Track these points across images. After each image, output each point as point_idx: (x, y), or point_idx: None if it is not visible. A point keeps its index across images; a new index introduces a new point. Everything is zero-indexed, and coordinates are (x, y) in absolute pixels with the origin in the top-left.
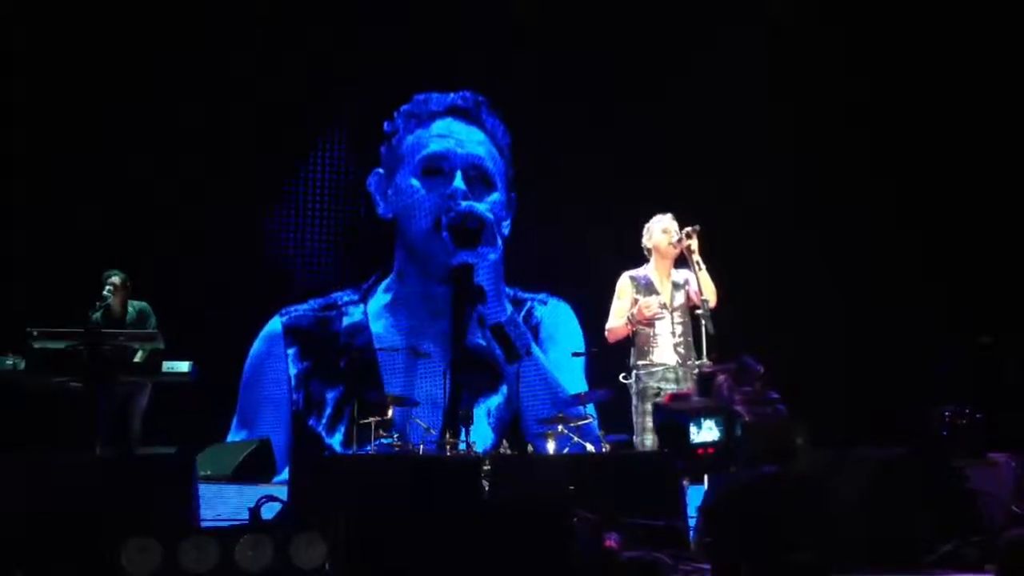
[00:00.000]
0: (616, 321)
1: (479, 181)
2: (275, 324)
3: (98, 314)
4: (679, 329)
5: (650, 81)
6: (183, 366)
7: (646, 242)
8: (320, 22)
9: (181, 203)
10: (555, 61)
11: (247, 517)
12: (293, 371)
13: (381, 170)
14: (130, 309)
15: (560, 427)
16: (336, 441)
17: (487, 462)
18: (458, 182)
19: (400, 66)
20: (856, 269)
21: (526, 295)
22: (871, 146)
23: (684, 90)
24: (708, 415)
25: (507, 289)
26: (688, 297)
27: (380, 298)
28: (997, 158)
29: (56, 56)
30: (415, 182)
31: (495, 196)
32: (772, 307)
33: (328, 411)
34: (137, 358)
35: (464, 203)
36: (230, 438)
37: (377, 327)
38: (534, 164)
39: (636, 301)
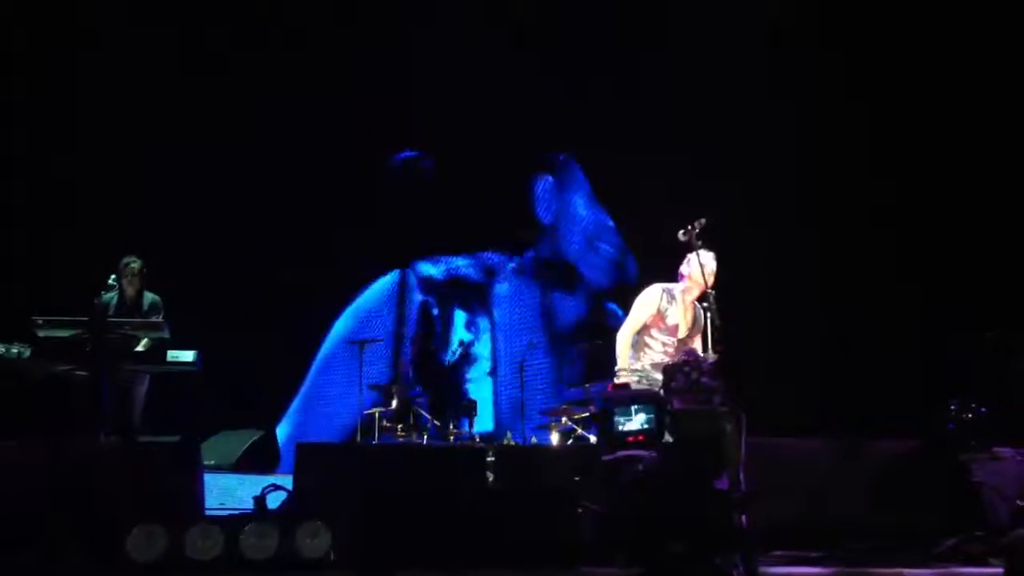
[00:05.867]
0: (626, 335)
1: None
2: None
3: (110, 296)
4: (676, 349)
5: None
6: (188, 355)
7: (684, 269)
8: None
9: (190, 194)
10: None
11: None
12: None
13: (551, 178)
14: (144, 299)
15: (564, 419)
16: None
17: (491, 453)
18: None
19: None
20: (863, 265)
21: None
22: (876, 143)
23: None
24: (640, 404)
25: None
26: (695, 336)
27: (507, 282)
28: (1005, 158)
29: (52, 45)
30: (582, 203)
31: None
32: (779, 303)
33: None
34: (141, 347)
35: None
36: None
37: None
38: None
39: (659, 312)
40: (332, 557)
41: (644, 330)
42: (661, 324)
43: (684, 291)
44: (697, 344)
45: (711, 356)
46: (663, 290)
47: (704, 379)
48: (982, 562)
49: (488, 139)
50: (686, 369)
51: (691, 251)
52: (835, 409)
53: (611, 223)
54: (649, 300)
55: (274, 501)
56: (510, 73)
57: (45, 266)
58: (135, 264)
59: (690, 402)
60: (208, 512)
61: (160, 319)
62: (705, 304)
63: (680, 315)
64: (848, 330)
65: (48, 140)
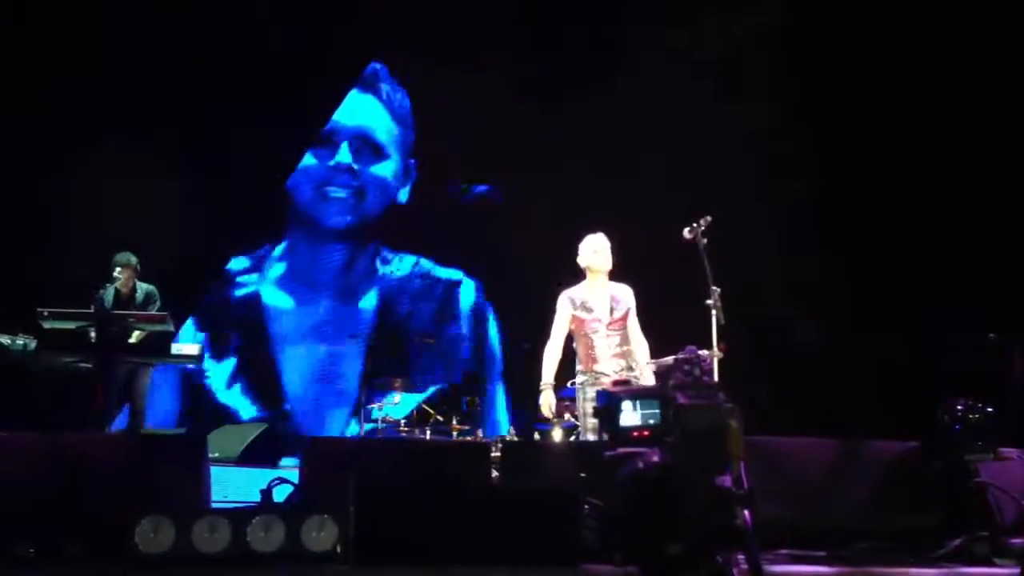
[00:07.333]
0: (550, 350)
1: (368, 151)
2: None
3: (108, 293)
4: (616, 340)
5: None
6: (192, 348)
7: (579, 261)
8: None
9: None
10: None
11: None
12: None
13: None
14: (138, 291)
15: (566, 415)
16: (234, 401)
17: (495, 448)
18: (343, 155)
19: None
20: (867, 264)
21: (442, 272)
22: (884, 143)
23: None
24: (644, 399)
25: (421, 260)
26: (625, 313)
27: (276, 268)
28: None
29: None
30: (306, 152)
31: (386, 164)
32: (781, 302)
33: (224, 381)
34: (133, 339)
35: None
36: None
37: (271, 299)
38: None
39: (574, 318)
40: (338, 550)
41: (575, 335)
42: (583, 323)
43: (587, 282)
44: (633, 323)
45: (715, 353)
46: (565, 296)
47: (705, 377)
48: (987, 563)
49: None
50: (686, 367)
51: (697, 249)
52: (839, 409)
53: (345, 163)
54: (558, 313)
55: (280, 494)
56: None
57: (50, 259)
58: (126, 260)
59: (694, 398)
60: (213, 505)
61: (157, 308)
62: (710, 302)
63: (594, 304)
64: (851, 331)
65: (53, 138)
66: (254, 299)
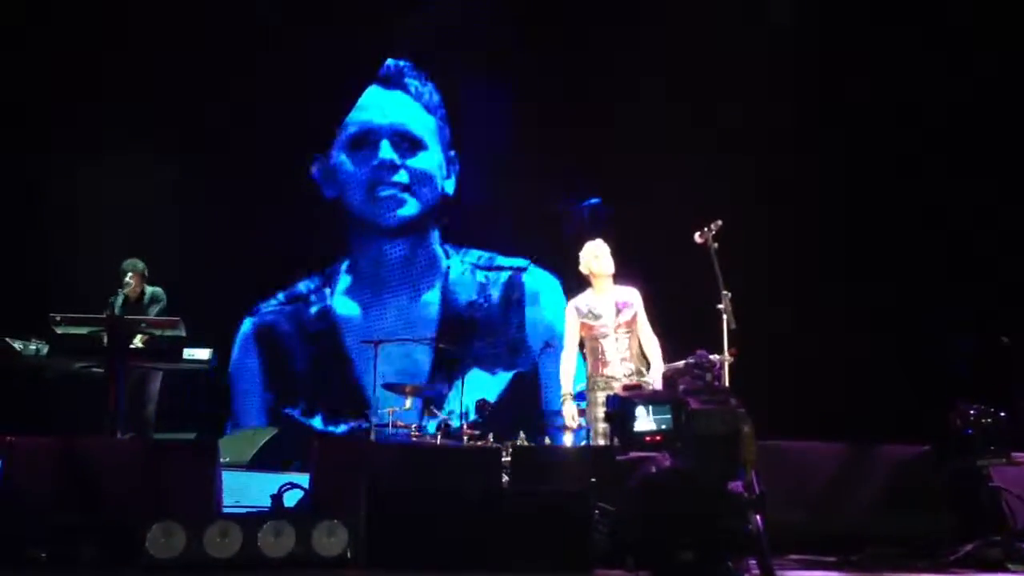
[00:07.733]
0: (566, 359)
1: (407, 145)
2: (246, 326)
3: (118, 299)
4: (625, 343)
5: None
6: (204, 353)
7: (582, 269)
8: None
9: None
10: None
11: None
12: (263, 368)
13: (321, 155)
14: (145, 294)
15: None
16: (317, 423)
17: (506, 452)
18: (385, 151)
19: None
20: (880, 266)
21: (505, 261)
22: (889, 144)
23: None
24: (656, 403)
25: (480, 253)
26: (633, 316)
27: (343, 281)
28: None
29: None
30: (344, 157)
31: (427, 155)
32: (794, 305)
33: (301, 400)
34: (138, 342)
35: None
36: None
37: (342, 309)
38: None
39: (583, 325)
40: (349, 555)
41: (585, 341)
42: (592, 329)
43: (592, 289)
44: (643, 324)
45: (726, 358)
46: (571, 305)
47: (716, 382)
48: (1000, 568)
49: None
50: (697, 371)
51: (707, 253)
52: (847, 413)
53: (388, 159)
54: (568, 323)
55: (291, 499)
56: None
57: (60, 264)
58: (132, 266)
59: (706, 402)
60: (224, 510)
61: (160, 308)
62: (721, 306)
63: (600, 310)
64: (860, 335)
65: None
66: (327, 312)
